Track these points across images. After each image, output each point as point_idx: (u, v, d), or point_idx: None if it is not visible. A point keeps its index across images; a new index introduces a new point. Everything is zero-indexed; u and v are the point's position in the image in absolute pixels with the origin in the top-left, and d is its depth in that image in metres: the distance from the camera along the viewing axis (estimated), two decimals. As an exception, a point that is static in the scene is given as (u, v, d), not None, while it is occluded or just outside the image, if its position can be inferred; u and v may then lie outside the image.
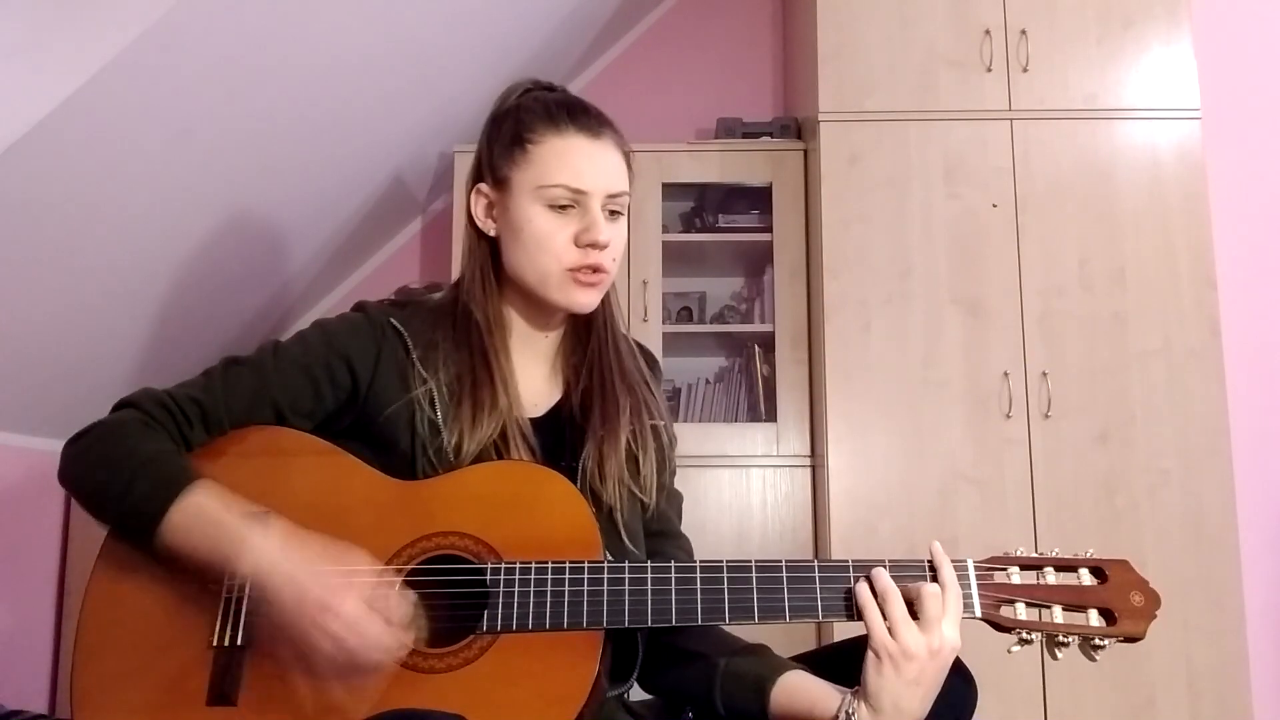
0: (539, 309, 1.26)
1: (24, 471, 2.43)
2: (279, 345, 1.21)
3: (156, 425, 1.12)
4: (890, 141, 2.71)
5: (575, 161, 1.19)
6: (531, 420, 1.24)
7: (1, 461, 2.38)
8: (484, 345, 1.22)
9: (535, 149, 1.20)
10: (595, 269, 1.20)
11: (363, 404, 1.20)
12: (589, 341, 1.30)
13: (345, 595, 0.99)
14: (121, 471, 1.07)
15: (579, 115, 1.22)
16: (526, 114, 1.23)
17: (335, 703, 1.01)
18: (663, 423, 1.30)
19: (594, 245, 1.19)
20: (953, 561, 1.08)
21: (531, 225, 1.20)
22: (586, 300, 1.22)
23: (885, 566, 1.07)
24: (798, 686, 1.10)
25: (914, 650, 1.02)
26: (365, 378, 1.19)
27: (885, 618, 1.03)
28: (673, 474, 1.33)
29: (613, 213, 1.22)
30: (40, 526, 2.55)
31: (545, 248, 1.19)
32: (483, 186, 1.26)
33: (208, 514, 1.06)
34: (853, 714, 1.03)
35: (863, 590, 1.05)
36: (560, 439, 1.25)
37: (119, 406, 1.15)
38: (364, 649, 0.99)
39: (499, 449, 1.18)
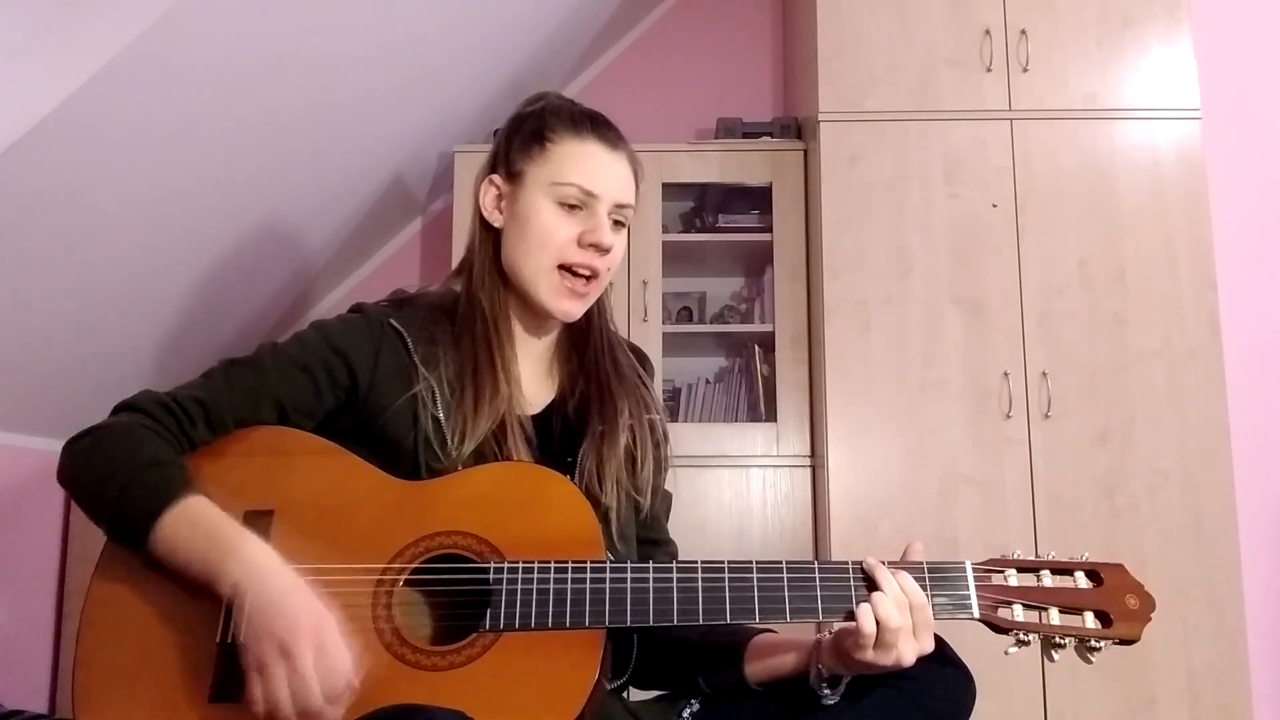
0: (534, 312, 1.28)
1: (24, 471, 2.43)
2: (277, 345, 1.22)
3: (158, 428, 1.11)
4: (890, 141, 2.71)
5: (590, 166, 1.23)
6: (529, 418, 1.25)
7: (1, 461, 2.38)
8: (486, 333, 1.24)
9: (554, 147, 1.24)
10: (589, 277, 1.23)
11: (362, 403, 1.20)
12: (584, 345, 1.33)
13: (305, 650, 0.96)
14: (117, 476, 1.07)
15: (600, 126, 1.27)
16: (551, 115, 1.27)
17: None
18: (659, 418, 1.32)
19: (597, 247, 1.22)
20: (950, 563, 1.09)
21: (539, 218, 1.23)
22: (571, 309, 1.25)
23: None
24: (770, 641, 1.17)
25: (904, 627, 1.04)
26: (365, 377, 1.20)
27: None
28: (665, 472, 1.35)
29: (616, 223, 1.26)
30: (40, 526, 2.55)
31: (548, 242, 1.22)
32: (495, 178, 1.28)
33: (199, 523, 1.05)
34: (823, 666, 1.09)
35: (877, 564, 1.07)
36: (555, 438, 1.26)
37: (119, 409, 1.15)
38: (292, 707, 0.97)
39: (498, 442, 1.19)
